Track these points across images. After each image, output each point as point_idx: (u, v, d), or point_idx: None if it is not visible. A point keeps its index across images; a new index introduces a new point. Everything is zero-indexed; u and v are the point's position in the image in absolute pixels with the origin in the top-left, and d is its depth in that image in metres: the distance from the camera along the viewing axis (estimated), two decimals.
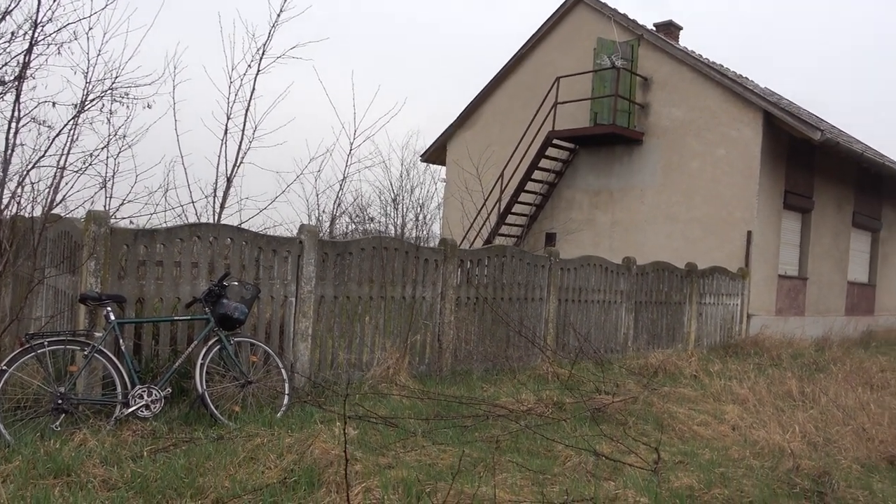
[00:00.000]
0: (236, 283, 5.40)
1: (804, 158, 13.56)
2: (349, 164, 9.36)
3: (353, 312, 6.66)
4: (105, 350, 4.83)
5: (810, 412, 6.36)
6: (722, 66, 15.25)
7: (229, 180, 7.62)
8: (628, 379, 7.33)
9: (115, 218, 5.85)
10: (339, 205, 15.31)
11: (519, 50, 16.11)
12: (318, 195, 14.53)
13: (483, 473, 4.15)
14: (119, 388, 4.79)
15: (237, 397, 5.23)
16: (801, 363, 9.56)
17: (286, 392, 5.41)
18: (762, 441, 5.21)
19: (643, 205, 13.83)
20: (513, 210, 14.63)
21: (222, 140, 7.78)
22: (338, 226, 19.03)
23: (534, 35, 15.84)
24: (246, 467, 4.01)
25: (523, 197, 14.68)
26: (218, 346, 5.25)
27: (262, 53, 7.78)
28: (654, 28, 15.38)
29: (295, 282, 6.10)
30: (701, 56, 14.61)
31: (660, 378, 7.80)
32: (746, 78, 16.06)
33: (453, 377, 7.16)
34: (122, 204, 6.07)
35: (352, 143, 8.97)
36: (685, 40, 16.30)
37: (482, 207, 14.98)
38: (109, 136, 6.07)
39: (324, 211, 16.32)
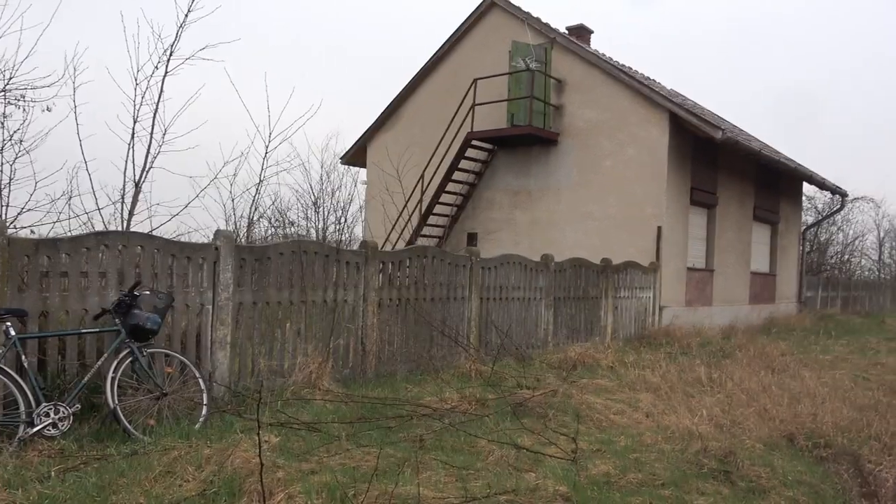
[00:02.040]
0: (148, 293, 5.22)
1: (708, 157, 14.29)
2: (265, 167, 9.20)
3: (274, 318, 6.55)
4: (5, 367, 4.56)
5: (717, 396, 6.73)
6: (631, 69, 15.86)
7: (138, 186, 7.35)
8: (549, 373, 7.54)
9: (14, 227, 5.53)
10: (256, 209, 14.97)
11: (437, 51, 16.24)
12: (233, 200, 14.20)
13: (407, 473, 4.18)
14: (22, 407, 4.54)
15: (152, 410, 5.05)
16: (709, 351, 10.08)
17: (204, 402, 5.27)
18: (673, 426, 5.47)
19: (560, 204, 14.22)
20: (434, 211, 14.73)
21: (129, 144, 7.49)
22: (256, 230, 18.64)
23: (451, 37, 16.01)
24: (162, 482, 3.89)
25: (444, 198, 14.81)
26: (130, 359, 5.05)
27: (170, 54, 7.54)
28: (567, 31, 15.83)
29: (211, 289, 5.95)
30: (611, 59, 15.17)
31: (578, 371, 8.05)
32: (654, 80, 16.77)
33: (378, 379, 7.16)
34: (20, 213, 5.75)
35: (267, 146, 8.84)
36: (596, 43, 16.88)
37: (403, 209, 15.01)
38: (4, 140, 5.74)
39: (242, 216, 15.95)
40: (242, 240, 14.40)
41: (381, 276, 7.49)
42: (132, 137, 7.45)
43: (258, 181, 10.11)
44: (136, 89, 7.41)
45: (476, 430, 5.18)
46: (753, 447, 5.24)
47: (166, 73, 7.55)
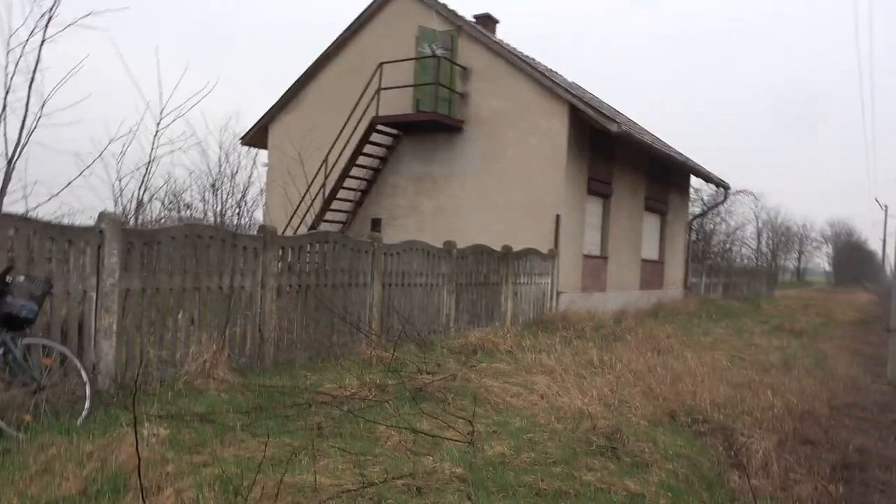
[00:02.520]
0: (23, 279, 4.86)
1: (605, 148, 14.87)
2: (156, 145, 8.73)
3: (165, 305, 6.28)
4: None
5: (607, 377, 7.06)
6: (534, 60, 16.20)
7: (11, 162, 6.80)
8: (449, 358, 7.65)
9: None
10: (146, 190, 14.21)
11: (342, 33, 15.96)
12: (120, 181, 13.39)
13: (304, 461, 4.14)
14: None
15: (28, 405, 4.73)
16: (602, 334, 10.55)
17: (87, 396, 4.98)
18: (566, 406, 5.69)
19: (464, 191, 14.39)
20: (338, 196, 14.54)
21: (0, 116, 6.90)
22: (148, 213, 17.73)
23: (357, 19, 15.78)
24: (39, 481, 3.66)
25: (348, 182, 14.64)
26: (1, 350, 4.70)
27: (49, 20, 6.98)
28: (474, 20, 15.96)
29: (95, 275, 5.62)
30: (515, 49, 15.43)
31: (478, 355, 8.22)
32: (555, 72, 17.21)
33: (276, 367, 7.02)
34: None
35: (158, 124, 8.38)
36: (502, 33, 17.13)
37: (306, 193, 14.73)
38: None
39: (133, 197, 15.12)
40: (131, 222, 13.64)
41: (280, 261, 7.33)
42: (3, 109, 6.87)
43: (148, 160, 9.59)
44: (8, 56, 6.82)
45: (375, 416, 5.19)
46: (639, 424, 5.55)
47: (44, 39, 7.01)
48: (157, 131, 8.08)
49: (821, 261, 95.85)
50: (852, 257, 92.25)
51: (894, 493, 5.06)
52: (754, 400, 6.72)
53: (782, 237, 74.14)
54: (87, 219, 7.43)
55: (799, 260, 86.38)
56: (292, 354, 7.38)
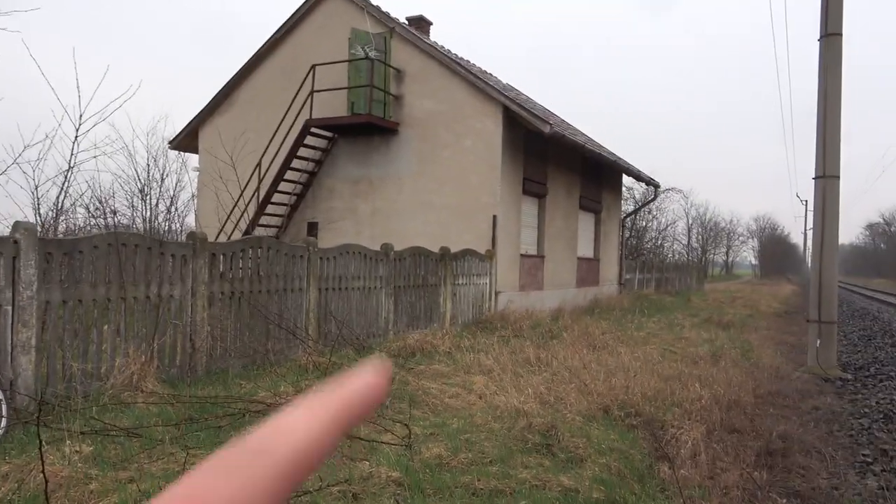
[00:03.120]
0: None
1: (539, 149, 15.12)
2: (75, 151, 8.35)
3: (89, 317, 6.03)
4: None
5: (543, 375, 7.17)
6: (467, 62, 16.34)
7: None
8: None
9: None
10: (66, 196, 13.59)
11: (275, 34, 15.71)
12: (37, 188, 12.71)
13: None
14: None
15: None
16: (540, 332, 10.71)
17: (3, 414, 4.74)
18: (503, 405, 5.76)
19: (401, 193, 14.37)
20: (272, 200, 14.29)
21: None
22: (72, 220, 16.97)
23: (290, 18, 15.56)
24: None
25: (283, 186, 14.41)
26: None
27: None
28: (407, 22, 15.97)
29: (10, 287, 5.34)
30: (449, 51, 15.52)
31: (417, 357, 8.22)
32: (489, 74, 17.41)
33: (209, 377, 6.84)
34: None
35: (77, 129, 8.04)
36: (436, 35, 17.19)
37: (239, 198, 14.42)
38: None
39: (55, 205, 14.43)
40: (51, 231, 13.03)
41: (211, 268, 7.15)
42: None
43: (69, 166, 9.17)
44: None
45: None
46: (574, 420, 5.65)
47: None
48: (76, 136, 7.71)
49: (748, 254, 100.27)
50: (776, 250, 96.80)
51: (813, 478, 5.32)
52: (684, 392, 6.94)
53: (711, 232, 77.08)
54: (5, 229, 7.04)
55: (727, 254, 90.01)
56: (226, 363, 7.21)
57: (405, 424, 4.74)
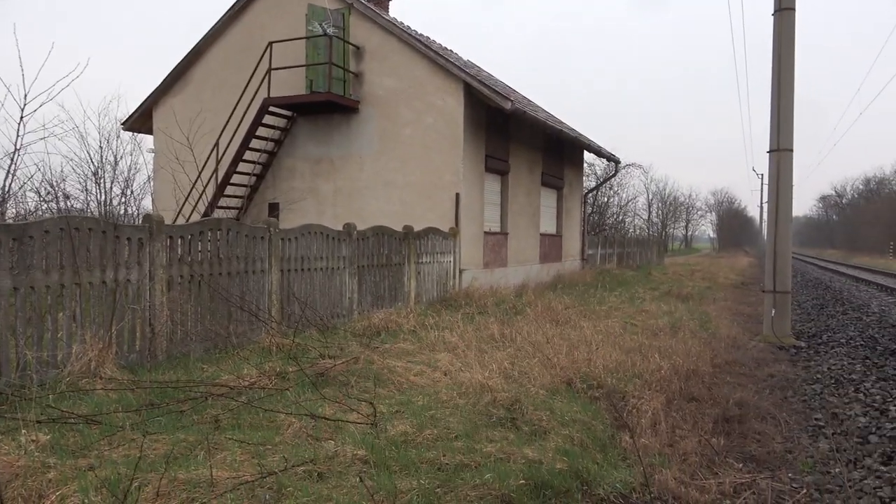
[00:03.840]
0: None
1: (501, 126, 15.12)
2: (22, 133, 8.06)
3: (43, 304, 5.86)
4: None
5: (508, 350, 7.25)
6: (428, 39, 16.18)
7: None
8: (352, 341, 7.60)
9: None
10: (13, 180, 13.14)
11: (229, 10, 15.31)
12: None
13: (201, 456, 4.01)
14: None
15: None
16: (504, 308, 10.80)
17: None
18: (467, 382, 5.80)
19: (363, 172, 14.25)
20: (231, 181, 14.04)
21: None
22: (22, 205, 16.43)
23: None
24: None
25: (242, 167, 14.16)
26: None
27: None
28: None
29: None
30: (409, 28, 15.34)
31: (382, 336, 8.22)
32: (450, 51, 17.27)
33: (170, 362, 6.74)
34: None
35: (23, 108, 7.75)
36: (395, 11, 16.96)
37: (197, 179, 14.12)
38: None
39: (1, 189, 13.93)
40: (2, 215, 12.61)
41: (169, 251, 7.00)
42: None
43: (14, 148, 8.85)
44: None
45: (276, 404, 5.10)
46: (537, 394, 5.73)
47: None
48: (21, 116, 7.44)
49: (706, 228, 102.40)
50: (734, 224, 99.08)
51: (768, 442, 5.51)
52: (644, 363, 7.10)
53: (671, 207, 78.45)
54: None
55: (686, 228, 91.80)
56: (187, 347, 7.10)
57: (370, 403, 4.74)
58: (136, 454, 4.07)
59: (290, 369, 5.94)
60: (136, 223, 7.27)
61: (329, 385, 5.74)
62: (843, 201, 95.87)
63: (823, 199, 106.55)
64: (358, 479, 3.56)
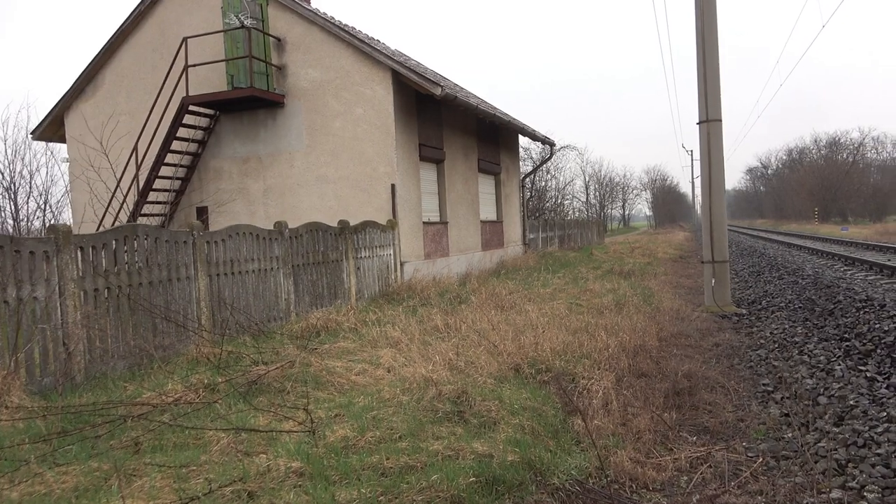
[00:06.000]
0: None
1: (433, 114, 14.82)
2: None
3: None
4: None
5: (453, 341, 6.98)
6: (353, 28, 15.72)
7: None
8: (289, 345, 7.20)
9: None
10: None
11: (138, 5, 14.48)
12: None
13: (116, 486, 3.60)
14: None
15: None
16: (447, 298, 10.55)
17: None
18: (411, 377, 5.51)
19: (293, 168, 13.74)
20: (154, 186, 13.31)
21: None
22: None
23: None
24: None
25: (164, 171, 13.45)
26: None
27: None
28: None
29: None
30: (332, 17, 14.85)
31: (322, 337, 7.84)
32: (377, 40, 16.85)
33: (90, 383, 6.21)
34: None
35: None
36: (318, 2, 16.41)
37: (117, 187, 13.33)
38: None
39: None
40: None
41: (80, 263, 6.45)
42: None
43: None
44: None
45: (203, 419, 4.70)
46: (485, 383, 5.49)
47: None
48: None
49: (642, 206, 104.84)
50: (668, 200, 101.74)
51: (720, 412, 5.42)
52: (592, 343, 6.96)
53: (607, 188, 79.82)
54: None
55: (623, 207, 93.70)
56: (109, 366, 6.57)
57: (304, 409, 4.39)
58: (40, 489, 3.63)
59: (220, 380, 5.53)
60: (32, 236, 6.65)
61: (263, 393, 5.36)
62: (769, 172, 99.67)
63: (750, 171, 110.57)
64: (292, 496, 3.23)
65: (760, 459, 4.41)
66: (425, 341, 7.03)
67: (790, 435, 4.90)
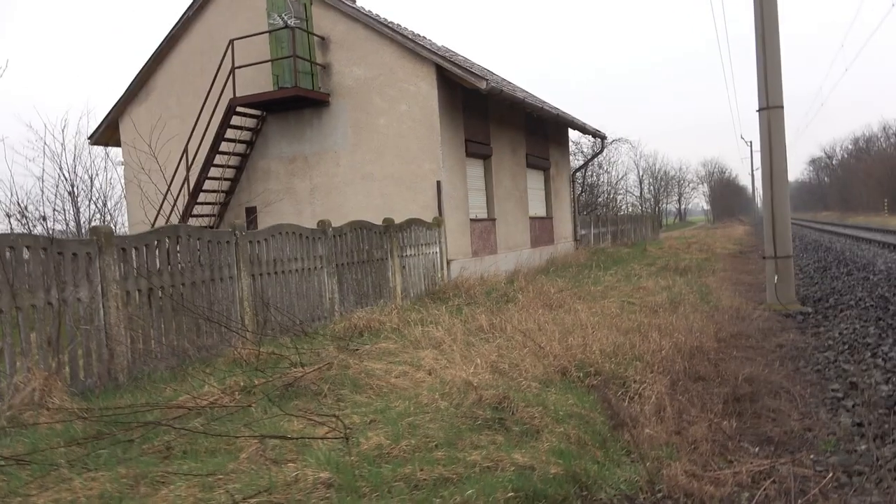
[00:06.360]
0: None
1: (479, 108, 14.56)
2: None
3: None
4: None
5: (497, 342, 6.72)
6: (397, 25, 15.60)
7: None
8: (330, 345, 7.07)
9: None
10: None
11: (185, 12, 14.71)
12: None
13: (144, 493, 3.49)
14: None
15: None
16: (494, 297, 10.28)
17: None
18: (451, 380, 5.28)
19: (339, 167, 13.70)
20: (204, 188, 13.48)
21: None
22: None
23: None
24: None
25: (213, 172, 13.60)
26: None
27: None
28: None
29: None
30: (377, 15, 14.75)
31: (364, 337, 7.70)
32: (423, 37, 16.69)
33: (133, 383, 6.21)
34: None
35: None
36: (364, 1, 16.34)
37: (168, 189, 13.55)
38: None
39: None
40: None
41: (122, 264, 6.46)
42: None
43: None
44: None
45: (237, 423, 4.58)
46: (529, 387, 5.22)
47: None
48: None
49: (699, 200, 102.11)
50: (726, 193, 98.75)
51: (784, 421, 5.01)
52: (644, 344, 6.59)
53: (662, 182, 77.94)
54: None
55: (679, 201, 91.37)
56: (151, 366, 6.58)
57: (334, 415, 4.20)
58: (68, 497, 3.55)
59: (256, 382, 5.41)
60: (75, 238, 6.69)
61: (300, 396, 5.22)
62: (834, 162, 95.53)
63: (813, 161, 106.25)
64: None
65: (831, 475, 4.01)
66: (468, 342, 6.79)
67: (864, 447, 4.46)
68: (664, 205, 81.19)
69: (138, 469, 3.83)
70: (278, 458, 3.90)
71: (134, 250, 6.64)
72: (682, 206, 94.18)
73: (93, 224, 22.61)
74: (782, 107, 10.06)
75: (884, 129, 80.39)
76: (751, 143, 59.01)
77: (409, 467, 3.70)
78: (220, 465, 3.85)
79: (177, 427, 4.22)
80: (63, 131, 22.51)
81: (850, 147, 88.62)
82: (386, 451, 3.97)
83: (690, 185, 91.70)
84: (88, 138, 16.55)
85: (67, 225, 22.33)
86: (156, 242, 6.89)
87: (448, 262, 12.74)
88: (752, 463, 4.23)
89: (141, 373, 6.43)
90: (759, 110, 10.22)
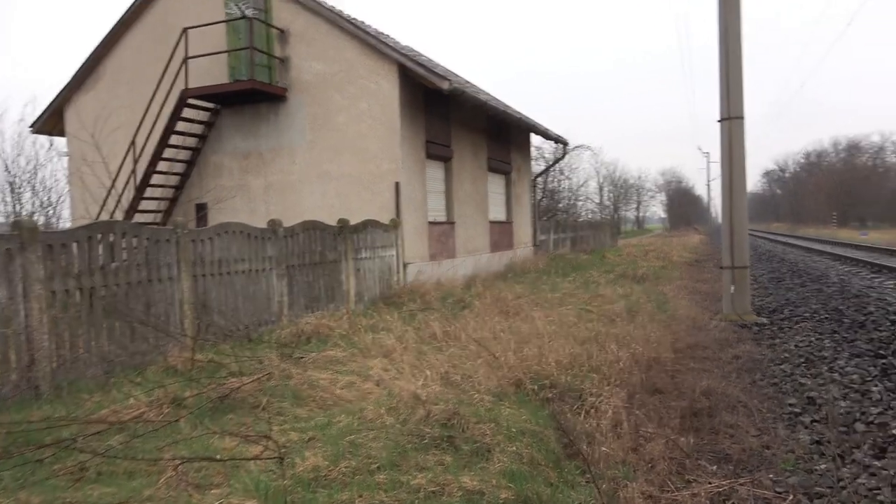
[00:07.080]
0: None
1: (441, 110, 14.28)
2: None
3: None
4: None
5: (450, 351, 6.45)
6: (361, 21, 15.22)
7: None
8: (274, 352, 6.70)
9: None
10: None
11: None
12: None
13: None
14: None
15: None
16: (450, 303, 10.01)
17: None
18: (399, 393, 4.98)
19: (295, 164, 13.27)
20: (151, 182, 12.88)
21: None
22: None
23: None
24: None
25: (162, 166, 13.00)
26: None
27: None
28: None
29: None
30: (340, 11, 14.34)
31: (312, 343, 7.34)
32: (385, 34, 16.34)
33: (56, 392, 5.73)
34: None
35: None
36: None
37: (113, 183, 12.92)
38: None
39: None
40: None
41: (48, 263, 5.98)
42: None
43: None
44: None
45: (164, 441, 4.19)
46: (481, 401, 4.96)
47: None
48: None
49: (657, 208, 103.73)
50: (683, 202, 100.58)
51: (742, 437, 4.85)
52: (601, 355, 6.39)
53: (621, 189, 78.88)
54: None
55: (638, 209, 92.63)
56: (79, 373, 6.10)
57: (266, 436, 3.86)
58: None
59: (188, 394, 5.02)
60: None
61: (236, 410, 4.85)
62: (786, 175, 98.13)
63: (767, 173, 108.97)
64: None
65: (791, 497, 3.85)
66: (420, 351, 6.50)
67: (823, 467, 4.32)
68: (623, 212, 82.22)
69: (43, 495, 3.44)
70: (202, 482, 3.54)
71: (62, 247, 6.16)
72: (641, 214, 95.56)
73: (30, 217, 21.63)
74: (743, 118, 10.05)
75: (834, 144, 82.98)
76: (708, 153, 60.23)
77: (346, 493, 3.40)
78: (137, 489, 3.48)
79: (87, 449, 3.81)
80: (0, 117, 21.41)
81: (801, 160, 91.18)
82: (323, 475, 3.66)
83: (649, 193, 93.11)
84: (30, 126, 15.74)
85: (8, 218, 21.31)
86: (87, 239, 6.41)
87: (405, 266, 12.42)
88: (710, 483, 4.04)
89: (66, 380, 5.94)
90: (721, 120, 10.19)
